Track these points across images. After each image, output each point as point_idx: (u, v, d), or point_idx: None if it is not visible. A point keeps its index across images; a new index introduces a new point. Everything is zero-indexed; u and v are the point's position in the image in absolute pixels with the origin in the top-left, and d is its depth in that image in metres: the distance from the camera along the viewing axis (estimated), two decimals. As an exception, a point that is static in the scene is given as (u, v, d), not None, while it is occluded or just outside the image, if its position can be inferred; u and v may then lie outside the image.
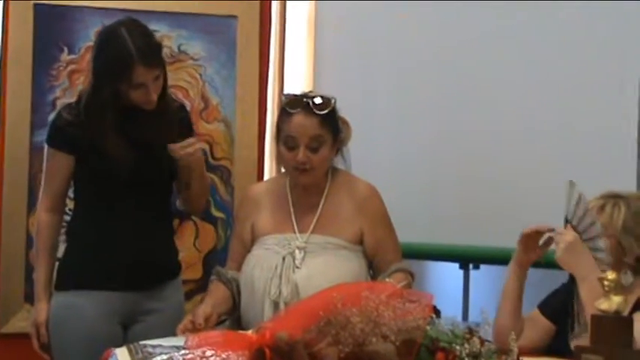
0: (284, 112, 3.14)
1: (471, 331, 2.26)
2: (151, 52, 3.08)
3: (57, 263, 3.26)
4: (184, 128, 3.30)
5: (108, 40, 3.10)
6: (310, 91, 3.36)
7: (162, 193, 3.27)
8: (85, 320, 3.13)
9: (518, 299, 2.91)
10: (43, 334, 3.17)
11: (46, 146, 3.24)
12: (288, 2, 4.66)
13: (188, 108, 3.90)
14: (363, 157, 3.43)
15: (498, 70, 3.79)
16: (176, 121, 3.26)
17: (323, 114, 3.10)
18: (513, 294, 2.91)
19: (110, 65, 3.06)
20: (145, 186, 3.18)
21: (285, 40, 4.32)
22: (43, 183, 3.25)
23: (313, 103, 3.11)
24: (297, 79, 4.59)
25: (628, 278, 2.67)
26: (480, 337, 2.25)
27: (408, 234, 3.37)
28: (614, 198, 2.84)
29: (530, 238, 2.85)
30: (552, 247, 2.79)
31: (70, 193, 3.29)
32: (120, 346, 2.81)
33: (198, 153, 3.26)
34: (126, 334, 3.19)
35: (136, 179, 3.15)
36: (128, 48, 3.02)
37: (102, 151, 3.10)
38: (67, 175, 3.20)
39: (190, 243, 3.98)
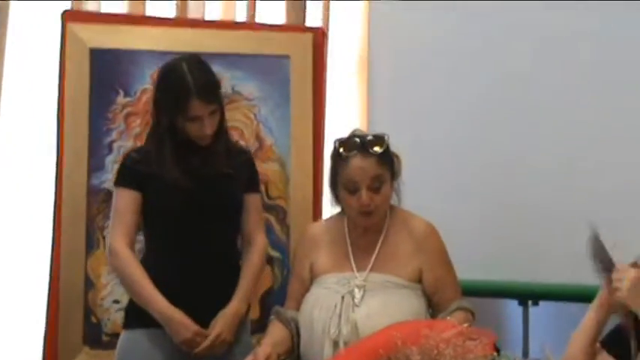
0: (340, 157, 3.14)
1: (533, 369, 2.24)
2: (208, 87, 3.18)
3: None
4: (251, 183, 3.38)
5: (169, 73, 3.22)
6: (358, 129, 3.36)
7: (226, 231, 3.30)
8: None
9: (593, 338, 2.82)
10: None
11: (115, 188, 3.30)
12: (340, 40, 4.70)
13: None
14: (419, 193, 3.41)
15: (556, 110, 3.77)
16: (238, 165, 3.32)
17: (379, 152, 3.11)
18: (589, 331, 2.83)
19: (169, 97, 3.17)
20: (208, 223, 3.22)
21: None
22: (114, 224, 3.26)
23: (368, 142, 3.12)
24: (351, 118, 4.62)
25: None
26: (542, 375, 2.23)
27: (465, 271, 3.34)
28: None
29: None
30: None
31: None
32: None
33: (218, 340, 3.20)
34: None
35: (198, 214, 3.20)
36: (186, 81, 3.13)
37: (164, 185, 3.17)
38: (137, 212, 3.24)
39: (247, 283, 3.98)
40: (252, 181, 3.40)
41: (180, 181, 3.17)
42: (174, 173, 3.17)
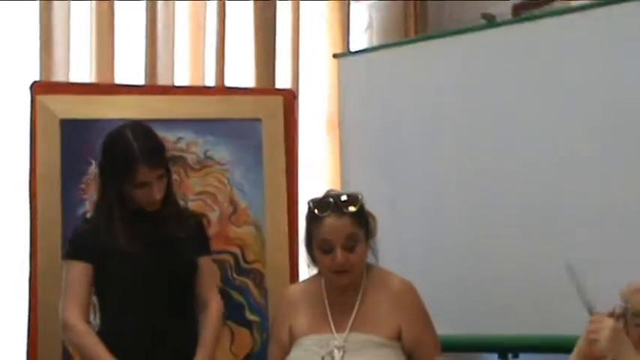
0: (314, 217, 3.15)
1: None
2: (154, 152, 3.20)
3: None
4: (203, 245, 3.39)
5: (113, 141, 3.23)
6: (332, 190, 3.38)
7: (181, 296, 3.28)
8: None
9: None
10: None
11: (65, 261, 3.30)
12: (311, 99, 4.72)
13: (217, 214, 3.94)
14: (395, 251, 3.41)
15: (530, 161, 3.78)
16: (189, 228, 3.32)
17: (354, 212, 3.11)
18: None
19: (115, 165, 3.19)
20: (162, 290, 3.21)
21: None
22: (66, 298, 3.24)
23: (342, 202, 3.12)
24: (323, 178, 4.63)
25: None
26: None
27: (445, 326, 3.33)
28: None
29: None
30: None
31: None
32: None
33: None
34: None
35: (151, 282, 3.19)
36: (132, 148, 3.15)
37: (115, 253, 3.16)
38: (89, 283, 3.24)
39: (227, 348, 3.94)
40: (203, 243, 3.40)
41: (132, 249, 3.16)
42: (124, 242, 3.17)
